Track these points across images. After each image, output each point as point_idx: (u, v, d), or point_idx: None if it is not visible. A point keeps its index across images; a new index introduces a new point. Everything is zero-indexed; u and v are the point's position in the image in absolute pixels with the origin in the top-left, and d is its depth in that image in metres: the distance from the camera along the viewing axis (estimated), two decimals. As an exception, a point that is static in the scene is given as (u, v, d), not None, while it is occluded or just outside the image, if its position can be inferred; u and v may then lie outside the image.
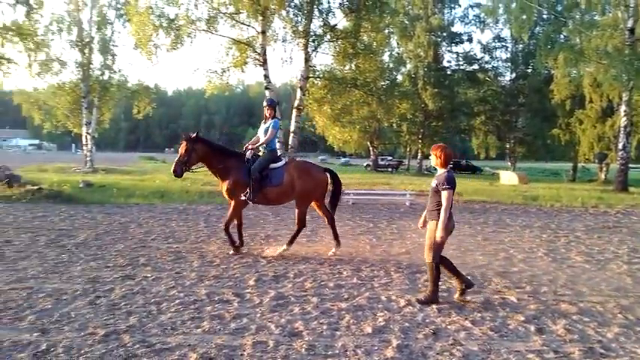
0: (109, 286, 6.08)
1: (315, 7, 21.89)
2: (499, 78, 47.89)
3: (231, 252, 8.05)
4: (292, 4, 21.84)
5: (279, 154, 8.68)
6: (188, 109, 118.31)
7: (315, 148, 77.64)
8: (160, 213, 12.90)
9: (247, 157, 8.05)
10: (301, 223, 8.22)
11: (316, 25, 22.70)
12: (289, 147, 21.97)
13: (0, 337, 4.36)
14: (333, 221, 8.49)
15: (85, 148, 31.50)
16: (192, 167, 7.97)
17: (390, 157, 58.87)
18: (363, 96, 25.20)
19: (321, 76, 23.47)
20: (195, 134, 7.98)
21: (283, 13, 21.86)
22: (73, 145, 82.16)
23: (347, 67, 24.15)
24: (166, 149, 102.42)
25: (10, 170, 17.25)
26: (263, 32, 21.08)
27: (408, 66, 46.37)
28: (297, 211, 8.19)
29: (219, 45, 23.90)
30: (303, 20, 21.98)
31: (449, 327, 4.95)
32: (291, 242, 8.26)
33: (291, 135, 22.16)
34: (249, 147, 8.23)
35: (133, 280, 6.39)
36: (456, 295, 5.84)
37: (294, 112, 22.15)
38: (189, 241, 9.17)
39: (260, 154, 8.21)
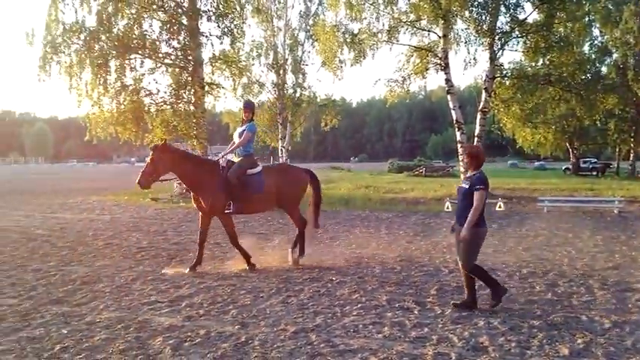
0: (299, 286, 6.52)
1: (501, 2, 20.66)
2: None
3: (248, 267, 7.52)
4: (475, 2, 20.95)
5: (255, 158, 8.06)
6: (371, 118, 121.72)
7: (504, 151, 72.87)
8: (344, 219, 13.45)
9: (222, 165, 7.53)
10: (302, 224, 8.04)
11: (502, 21, 21.37)
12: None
13: (208, 327, 4.98)
14: (303, 231, 8.10)
15: (280, 160, 34.56)
16: (162, 177, 7.41)
17: (595, 160, 52.07)
18: (559, 93, 22.84)
19: (509, 74, 21.98)
20: (162, 143, 7.50)
21: (466, 13, 21.10)
22: (271, 157, 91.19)
23: (539, 63, 22.20)
24: (351, 158, 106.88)
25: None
26: (444, 36, 20.62)
27: (615, 56, 40.62)
28: (290, 216, 8.10)
29: (400, 54, 24.38)
30: (488, 18, 20.89)
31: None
32: (302, 249, 7.98)
33: (476, 139, 21.17)
34: (224, 154, 7.76)
35: (320, 282, 6.75)
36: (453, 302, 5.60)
37: (479, 114, 21.13)
38: (370, 247, 9.36)
39: (235, 160, 7.63)
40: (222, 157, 7.70)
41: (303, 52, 33.80)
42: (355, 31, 22.09)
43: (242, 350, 4.40)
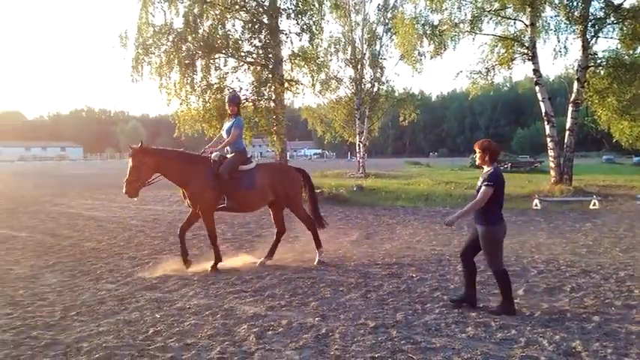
0: (379, 282, 6.49)
1: (594, -14, 19.26)
2: None
3: (210, 268, 7.22)
4: (566, -13, 19.67)
5: (248, 155, 7.79)
6: (452, 111, 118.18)
7: (599, 146, 67.95)
8: (424, 216, 13.19)
9: (214, 159, 7.29)
10: (309, 222, 7.80)
11: (596, 7, 19.91)
12: (565, 146, 19.80)
13: (289, 318, 5.09)
14: (281, 235, 7.93)
15: (358, 155, 34.54)
16: (149, 180, 7.09)
17: None
18: (662, 82, 20.90)
19: (604, 63, 20.45)
20: (139, 145, 7.02)
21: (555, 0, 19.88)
22: (349, 152, 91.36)
23: (637, 51, 20.44)
24: (430, 153, 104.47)
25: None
26: (532, 24, 19.55)
27: None
28: (296, 214, 7.83)
29: (483, 44, 23.36)
30: (580, 4, 19.54)
31: None
32: (318, 244, 7.74)
33: (567, 133, 19.91)
34: (212, 149, 7.50)
35: (399, 278, 6.68)
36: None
37: (570, 107, 19.85)
38: (452, 244, 9.11)
39: (228, 155, 7.42)
40: (212, 152, 7.40)
41: (381, 46, 33.52)
42: (435, 23, 21.54)
43: (323, 342, 4.45)
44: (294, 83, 21.04)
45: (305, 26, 18.83)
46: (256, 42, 18.61)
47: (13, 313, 5.33)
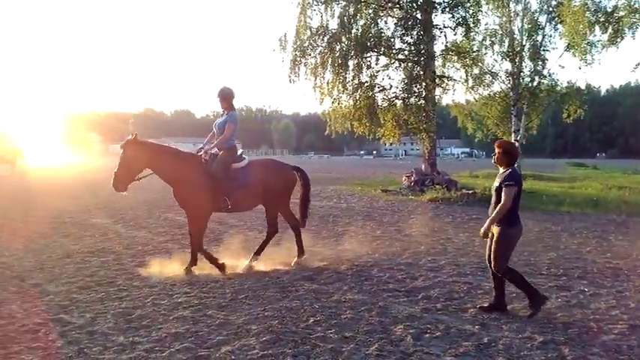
0: (544, 293, 5.95)
1: None
2: None
3: (186, 269, 6.79)
4: None
5: (239, 152, 7.34)
6: (625, 108, 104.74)
7: None
8: (594, 224, 11.87)
9: (205, 159, 6.92)
10: (294, 222, 7.53)
11: None
12: None
13: (447, 322, 4.93)
14: (270, 237, 7.51)
15: (512, 155, 32.37)
16: (139, 176, 6.71)
17: None
18: None
19: None
20: (132, 138, 6.63)
21: None
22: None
23: None
24: (597, 154, 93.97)
25: (448, 176, 19.59)
26: None
27: None
28: (283, 215, 7.52)
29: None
30: None
31: None
32: (300, 251, 7.40)
33: None
34: (207, 149, 7.05)
35: (569, 291, 6.08)
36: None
37: None
38: (630, 258, 8.05)
39: (214, 152, 7.00)
40: (204, 150, 7.07)
41: (543, 37, 30.84)
42: (610, 9, 19.23)
43: (485, 352, 4.22)
44: (445, 79, 20.49)
45: (460, 19, 18.17)
46: (408, 39, 18.47)
47: (191, 292, 5.95)
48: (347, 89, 18.91)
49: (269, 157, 8.28)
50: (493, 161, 5.29)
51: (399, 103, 19.04)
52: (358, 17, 18.39)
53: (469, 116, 35.22)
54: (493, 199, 5.22)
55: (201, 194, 6.76)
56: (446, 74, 21.17)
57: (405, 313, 5.20)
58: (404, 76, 18.87)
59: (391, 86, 19.11)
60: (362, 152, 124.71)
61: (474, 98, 34.30)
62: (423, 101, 18.58)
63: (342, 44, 18.54)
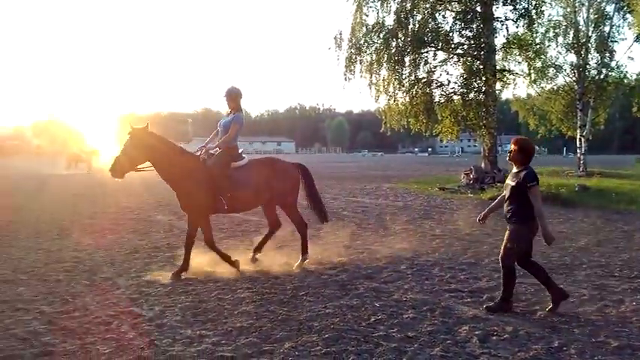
0: (618, 296, 5.67)
1: None
2: None
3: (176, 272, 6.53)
4: None
5: (239, 150, 7.14)
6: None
7: None
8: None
9: (203, 157, 6.71)
10: (302, 225, 7.29)
11: None
12: None
13: (515, 325, 4.76)
14: (272, 234, 7.49)
15: (578, 151, 30.89)
16: (139, 167, 6.53)
17: None
18: None
19: None
20: (142, 127, 6.42)
21: None
22: (564, 148, 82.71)
23: None
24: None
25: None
26: None
27: None
28: (289, 215, 7.33)
29: None
30: None
31: None
32: (305, 250, 7.21)
33: None
34: (208, 147, 6.85)
35: (647, 295, 5.72)
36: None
37: None
38: None
39: (213, 151, 6.82)
40: (206, 150, 6.83)
41: (611, 27, 29.25)
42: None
43: (557, 356, 4.06)
44: (506, 73, 19.84)
45: (523, 11, 17.51)
46: (467, 32, 18.01)
47: (253, 288, 6.06)
48: (403, 86, 18.67)
49: (268, 156, 7.89)
50: (507, 159, 5.22)
51: (457, 98, 18.60)
52: (415, 12, 18.09)
53: (531, 111, 33.89)
54: (506, 197, 5.17)
55: (198, 194, 6.58)
56: (506, 68, 20.45)
57: (469, 314, 5.07)
58: (463, 71, 18.41)
59: (449, 81, 18.70)
60: (416, 149, 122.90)
61: (537, 92, 33.04)
62: (483, 96, 18.05)
63: (399, 40, 18.32)
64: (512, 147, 5.13)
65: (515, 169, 5.15)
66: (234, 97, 6.99)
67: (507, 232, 5.20)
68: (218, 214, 7.24)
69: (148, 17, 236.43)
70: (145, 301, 5.55)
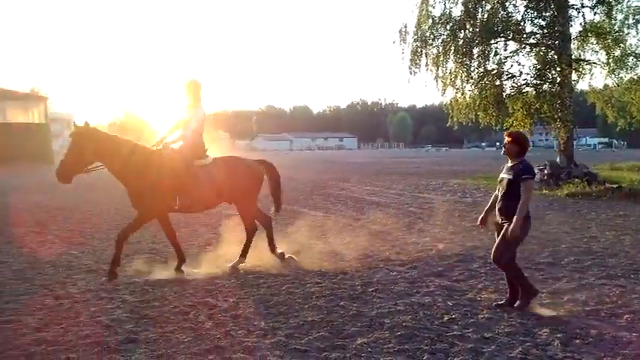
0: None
1: None
2: None
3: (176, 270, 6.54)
4: None
5: (205, 148, 6.77)
6: None
7: None
8: None
9: (165, 153, 6.43)
10: (253, 227, 6.98)
11: None
12: None
13: (600, 329, 4.50)
14: (270, 230, 7.10)
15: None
16: (88, 168, 6.22)
17: None
18: None
19: None
20: (84, 126, 6.08)
21: None
22: (624, 143, 77.80)
23: None
24: None
25: (588, 168, 17.92)
26: None
27: None
28: (242, 215, 6.98)
29: None
30: None
31: None
32: (245, 253, 6.85)
33: None
34: (163, 143, 6.54)
35: None
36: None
37: None
38: None
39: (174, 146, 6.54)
40: (163, 145, 6.50)
41: (701, 10, 26.91)
42: None
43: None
44: (582, 63, 18.76)
45: (602, -3, 16.49)
46: (540, 21, 17.19)
47: (322, 282, 6.09)
48: (472, 78, 18.10)
49: (232, 155, 7.52)
50: (502, 152, 5.16)
51: (530, 90, 17.81)
52: (484, 2, 17.48)
53: (609, 103, 31.84)
54: (501, 192, 5.10)
55: (157, 193, 6.28)
56: (583, 57, 19.32)
57: (549, 316, 4.84)
58: (535, 62, 17.60)
59: (521, 73, 17.94)
60: (483, 144, 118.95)
61: (615, 83, 30.98)
62: (558, 87, 17.17)
63: (467, 31, 17.77)
64: (507, 139, 5.11)
65: (509, 163, 5.10)
66: (195, 90, 6.64)
67: (502, 230, 5.02)
68: (173, 212, 6.83)
69: (204, 19, 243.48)
70: (219, 292, 5.73)
